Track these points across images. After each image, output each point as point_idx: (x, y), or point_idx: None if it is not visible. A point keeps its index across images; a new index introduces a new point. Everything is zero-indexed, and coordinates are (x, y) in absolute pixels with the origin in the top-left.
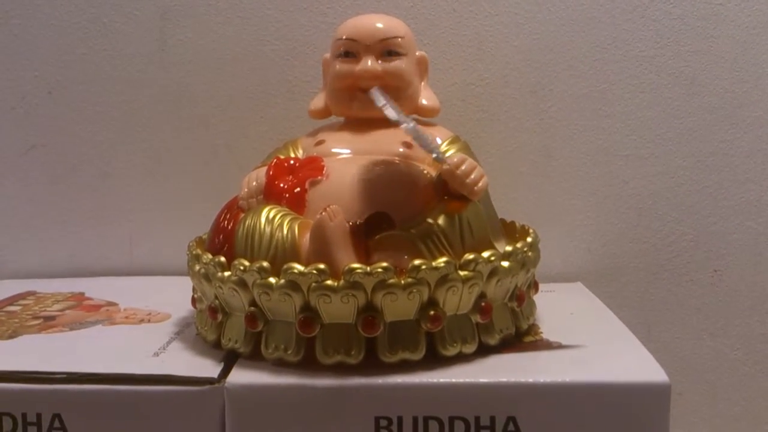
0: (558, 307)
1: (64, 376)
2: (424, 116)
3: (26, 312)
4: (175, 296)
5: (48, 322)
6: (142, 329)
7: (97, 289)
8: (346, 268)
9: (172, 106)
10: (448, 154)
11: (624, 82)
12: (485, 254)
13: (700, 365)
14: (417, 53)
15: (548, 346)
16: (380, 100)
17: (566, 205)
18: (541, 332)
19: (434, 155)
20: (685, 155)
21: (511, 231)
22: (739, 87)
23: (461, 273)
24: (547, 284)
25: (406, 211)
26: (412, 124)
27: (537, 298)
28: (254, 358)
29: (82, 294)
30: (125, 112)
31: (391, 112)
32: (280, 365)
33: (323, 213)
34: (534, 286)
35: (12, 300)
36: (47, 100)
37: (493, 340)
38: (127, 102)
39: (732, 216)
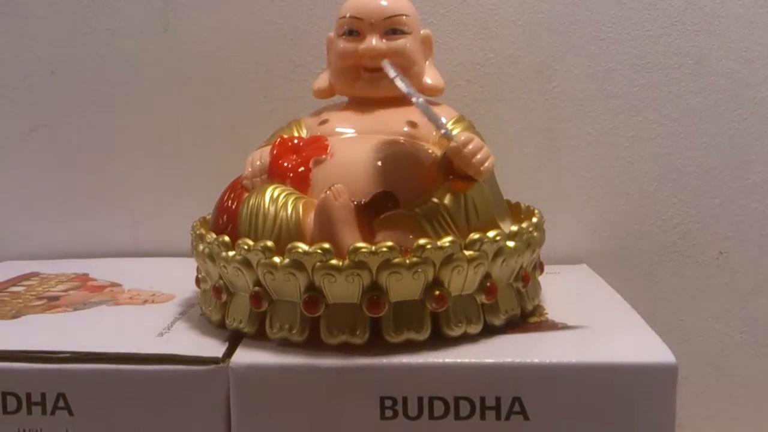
0: (563, 289)
1: (68, 355)
2: (429, 95)
3: (30, 292)
4: (179, 277)
5: (52, 302)
6: (146, 309)
7: (101, 270)
8: (351, 247)
9: (175, 86)
10: (454, 133)
11: (630, 62)
12: (491, 234)
13: (705, 348)
14: (422, 32)
15: (553, 326)
16: (392, 72)
17: (571, 187)
18: (547, 313)
19: (443, 131)
20: (691, 136)
21: (516, 212)
22: (746, 67)
23: (466, 253)
24: (552, 266)
25: (411, 190)
26: (422, 99)
27: (542, 279)
28: (259, 337)
29: (86, 275)
30: (128, 92)
31: (402, 85)
32: (285, 345)
33: (328, 192)
34: (539, 266)
35: (16, 281)
36: (49, 80)
37: (498, 321)
38: (130, 82)
39: (738, 197)
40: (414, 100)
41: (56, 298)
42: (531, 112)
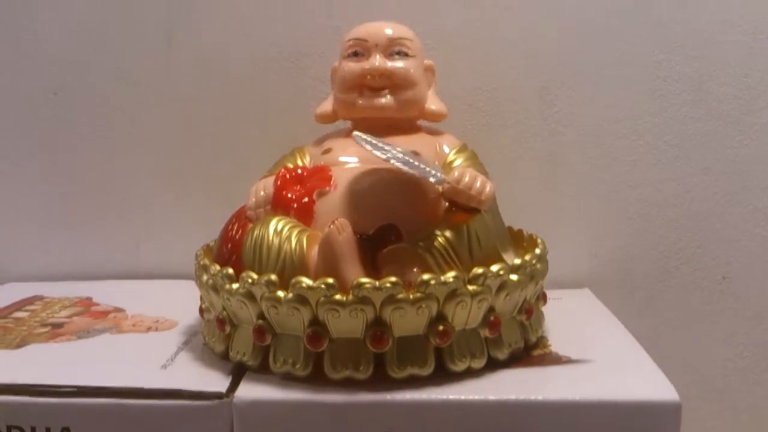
0: (566, 317)
1: (73, 389)
2: (432, 121)
3: (34, 319)
4: (182, 301)
5: (56, 330)
6: (149, 338)
7: (104, 293)
8: (355, 282)
9: (179, 109)
10: (456, 164)
11: (631, 88)
12: (494, 268)
13: (707, 372)
14: (425, 61)
15: (557, 360)
16: (366, 144)
17: (573, 211)
18: (550, 345)
19: (432, 179)
20: (693, 161)
21: (519, 240)
22: (747, 93)
23: (470, 287)
24: (554, 291)
25: (414, 222)
26: (400, 156)
27: (545, 306)
28: (262, 371)
29: (90, 299)
30: (131, 114)
31: (379, 153)
32: (289, 379)
33: (331, 227)
34: (542, 297)
35: (19, 305)
36: (52, 102)
37: (502, 355)
38: (133, 104)
39: (740, 222)
40: (393, 162)
41: (60, 325)
42: (533, 136)
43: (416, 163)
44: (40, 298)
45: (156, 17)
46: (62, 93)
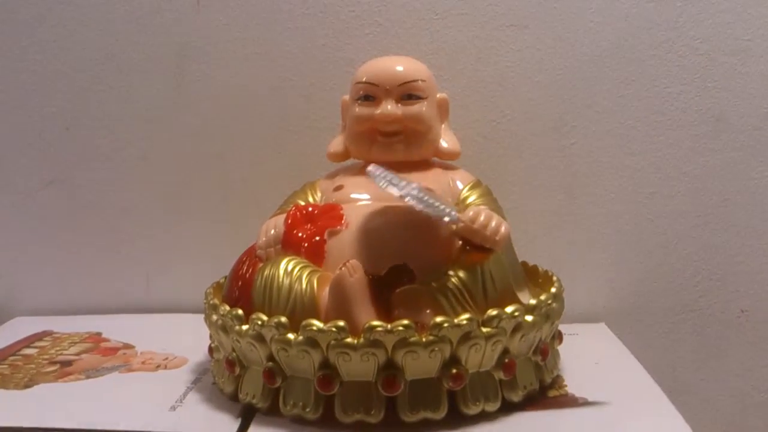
0: (582, 355)
1: None
2: (445, 159)
3: (43, 356)
4: (192, 336)
5: (64, 369)
6: (158, 377)
7: (114, 328)
8: (367, 325)
9: (189, 143)
10: (469, 200)
11: (649, 119)
12: (509, 309)
13: (725, 407)
14: (438, 95)
15: (573, 402)
16: (380, 180)
17: (590, 244)
18: (566, 385)
19: (446, 219)
20: (712, 193)
21: (534, 276)
22: (767, 124)
23: (484, 330)
24: (570, 325)
25: (426, 262)
26: (415, 192)
27: (560, 345)
28: (272, 413)
29: (99, 334)
30: (142, 148)
31: (394, 190)
32: (299, 422)
33: (343, 269)
34: (558, 336)
35: (29, 341)
36: (65, 137)
37: (516, 397)
38: (144, 138)
39: (760, 255)
40: (408, 200)
41: (69, 363)
42: (548, 169)
43: (431, 201)
44: (49, 333)
45: (167, 53)
46: (74, 129)
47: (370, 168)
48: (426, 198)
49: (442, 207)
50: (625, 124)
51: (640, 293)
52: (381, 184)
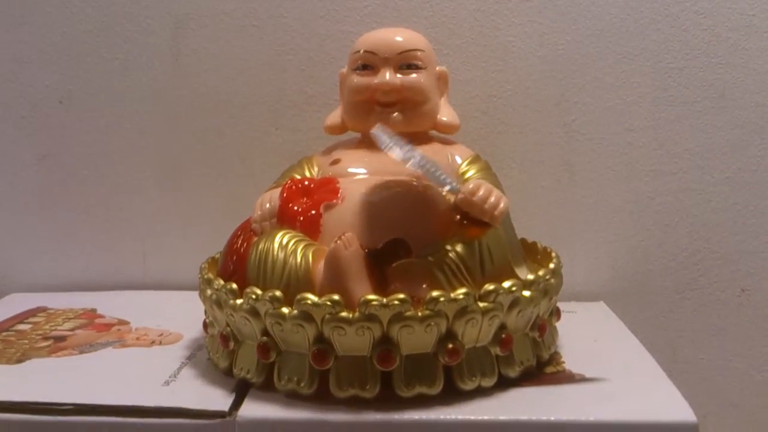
0: (581, 332)
1: (72, 407)
2: (443, 133)
3: (36, 332)
4: (187, 313)
5: (58, 344)
6: (153, 352)
7: (109, 304)
8: (362, 299)
9: (185, 117)
10: (468, 175)
11: (651, 95)
12: (506, 284)
13: (725, 386)
14: (437, 68)
15: (571, 378)
16: (384, 141)
17: (589, 221)
18: (564, 362)
19: (447, 188)
20: (714, 171)
21: (533, 252)
22: None
23: (481, 304)
24: (569, 303)
25: (423, 237)
26: (418, 158)
27: (558, 321)
28: (266, 388)
29: (94, 311)
30: (137, 122)
31: (397, 152)
32: (293, 397)
33: (338, 241)
34: (556, 313)
35: (22, 317)
36: (58, 110)
37: (513, 373)
38: (140, 112)
39: (761, 234)
40: (410, 164)
41: (62, 339)
42: (549, 145)
43: (432, 169)
44: (43, 309)
45: (163, 25)
46: (68, 102)
47: (375, 128)
48: (428, 165)
49: (444, 177)
50: (627, 100)
51: (639, 272)
52: (384, 145)
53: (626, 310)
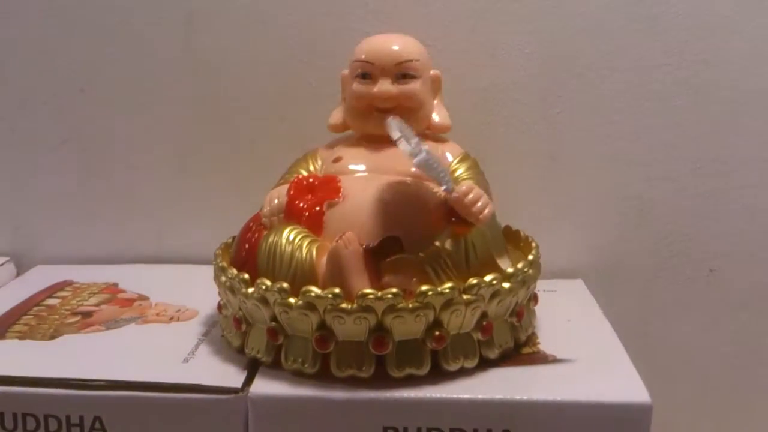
0: (557, 312)
1: (103, 383)
2: (436, 132)
3: (65, 307)
4: (202, 288)
5: (85, 320)
6: (172, 329)
7: (129, 278)
8: (359, 293)
9: (197, 107)
10: (458, 173)
11: (630, 91)
12: (487, 278)
13: (694, 359)
14: (431, 72)
15: (544, 359)
16: (395, 132)
17: (571, 206)
18: (539, 343)
19: (444, 187)
20: (686, 160)
21: (516, 240)
22: (742, 97)
23: (464, 297)
24: (549, 281)
25: (415, 234)
26: (423, 156)
27: (536, 305)
28: (275, 367)
29: (116, 285)
30: (152, 110)
31: (405, 146)
32: (298, 376)
33: (339, 241)
34: (533, 298)
35: (51, 291)
36: (79, 98)
37: (493, 355)
38: (155, 102)
39: (729, 219)
40: (415, 161)
41: (89, 314)
42: (534, 136)
43: (435, 165)
44: (69, 283)
45: (176, 20)
46: (89, 89)
47: (390, 120)
48: (432, 162)
49: (444, 175)
50: (608, 95)
51: (615, 252)
52: (395, 136)
53: (603, 288)
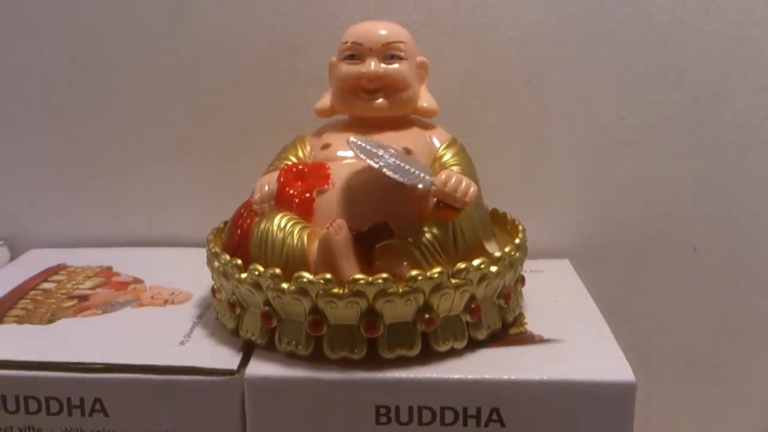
0: (544, 293)
1: (102, 366)
2: (423, 117)
3: (60, 290)
4: (194, 270)
5: (82, 303)
6: (167, 312)
7: (123, 262)
8: (351, 278)
9: (187, 92)
10: (445, 158)
11: (615, 73)
12: (475, 262)
13: (677, 333)
14: (418, 58)
15: (531, 339)
16: (360, 153)
17: (557, 187)
18: (526, 323)
19: (420, 185)
20: (671, 142)
21: (503, 223)
22: (725, 80)
23: (453, 281)
24: (537, 261)
25: (404, 219)
26: (392, 162)
27: (525, 275)
28: (269, 348)
29: (110, 268)
30: (143, 95)
31: (372, 163)
32: (292, 357)
33: (329, 228)
34: (521, 280)
35: (46, 275)
36: (70, 83)
37: (481, 336)
38: (146, 89)
39: (712, 200)
40: (385, 171)
41: (86, 298)
42: (521, 118)
43: (407, 168)
44: (64, 267)
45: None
46: (78, 76)
47: (351, 139)
48: (402, 165)
49: (417, 173)
50: (593, 77)
51: (601, 233)
52: (361, 156)
53: (589, 267)
